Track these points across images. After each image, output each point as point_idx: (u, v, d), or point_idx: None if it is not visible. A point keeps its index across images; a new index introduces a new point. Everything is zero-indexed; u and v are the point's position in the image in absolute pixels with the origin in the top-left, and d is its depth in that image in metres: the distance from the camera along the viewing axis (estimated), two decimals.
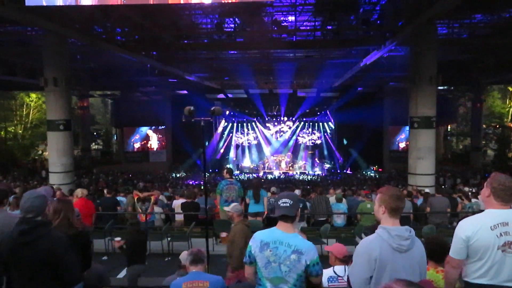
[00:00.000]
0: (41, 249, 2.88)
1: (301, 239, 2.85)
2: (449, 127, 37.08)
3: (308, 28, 15.90)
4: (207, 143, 30.74)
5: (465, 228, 2.82)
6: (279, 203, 2.88)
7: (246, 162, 35.47)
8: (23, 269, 2.91)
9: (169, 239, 8.28)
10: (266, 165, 34.47)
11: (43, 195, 3.12)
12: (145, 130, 32.60)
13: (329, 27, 15.64)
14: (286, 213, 2.83)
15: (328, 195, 11.01)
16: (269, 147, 35.78)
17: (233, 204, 5.70)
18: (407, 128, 17.11)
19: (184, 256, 4.21)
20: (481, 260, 2.77)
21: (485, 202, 2.91)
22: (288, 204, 2.84)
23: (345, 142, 33.38)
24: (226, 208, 5.88)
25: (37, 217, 2.98)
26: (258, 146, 36.01)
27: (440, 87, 21.82)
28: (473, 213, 8.67)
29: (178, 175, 30.34)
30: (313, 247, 2.83)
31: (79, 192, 8.01)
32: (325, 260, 2.87)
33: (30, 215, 2.95)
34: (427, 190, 12.74)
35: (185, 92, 29.67)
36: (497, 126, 36.71)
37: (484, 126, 33.58)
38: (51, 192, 3.59)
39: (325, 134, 35.42)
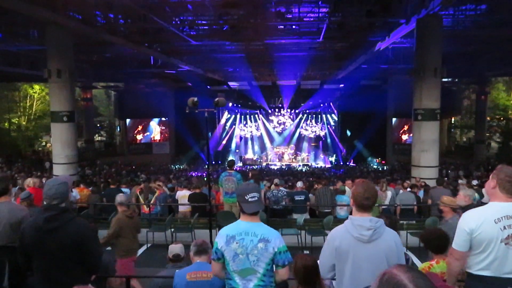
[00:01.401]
0: (67, 235, 2.92)
1: (267, 228, 2.83)
2: (453, 119, 36.91)
3: (312, 19, 15.79)
4: (210, 135, 30.75)
5: (469, 221, 2.81)
6: (246, 198, 2.81)
7: (249, 154, 35.48)
8: (49, 256, 2.93)
9: (172, 230, 8.32)
10: (269, 157, 34.46)
11: (66, 182, 3.15)
12: (155, 123, 32.72)
13: (333, 18, 15.53)
14: (258, 209, 2.83)
15: (331, 187, 11.00)
16: (272, 139, 35.75)
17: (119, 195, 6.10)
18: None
19: (172, 249, 4.22)
20: (484, 252, 2.77)
21: (490, 194, 2.90)
22: (256, 198, 2.81)
23: (348, 133, 33.33)
24: None
25: (62, 203, 3.01)
26: (261, 138, 35.99)
27: (444, 79, 21.69)
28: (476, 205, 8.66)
29: (181, 167, 30.42)
30: (279, 235, 2.81)
31: (30, 181, 7.61)
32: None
33: (55, 201, 2.98)
34: (427, 182, 12.74)
35: (188, 84, 29.63)
36: (502, 119, 36.47)
37: (488, 118, 33.39)
38: (71, 180, 3.65)
39: (328, 126, 35.35)
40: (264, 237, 2.74)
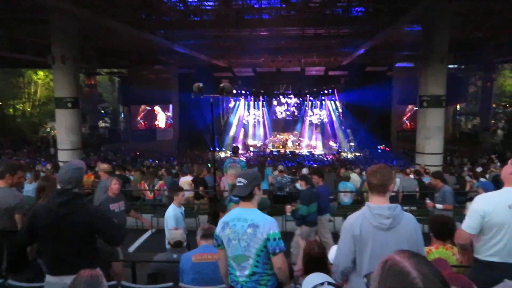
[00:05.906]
0: (80, 220, 2.95)
1: (259, 214, 2.84)
2: (458, 106, 36.66)
3: (318, 5, 15.62)
4: (213, 121, 30.64)
5: (483, 203, 2.80)
6: (236, 182, 2.91)
7: (253, 141, 35.46)
8: (60, 238, 2.95)
9: None
10: (273, 144, 34.43)
11: (81, 167, 3.15)
12: (159, 109, 32.85)
13: (339, 4, 15.36)
14: (239, 194, 2.87)
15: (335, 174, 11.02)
16: (275, 125, 35.66)
17: None
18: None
19: (173, 235, 4.26)
20: (495, 238, 2.76)
21: (506, 180, 2.89)
22: (242, 184, 2.85)
23: (351, 126, 33.18)
24: None
25: (75, 188, 3.03)
26: (265, 125, 35.89)
27: (450, 65, 21.41)
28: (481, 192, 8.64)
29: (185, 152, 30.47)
30: (271, 221, 2.78)
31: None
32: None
33: (69, 186, 2.99)
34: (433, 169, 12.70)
35: (192, 70, 29.51)
36: (507, 106, 36.22)
37: (494, 105, 33.13)
38: (85, 165, 3.59)
39: (334, 112, 35.11)
40: (253, 223, 2.76)
